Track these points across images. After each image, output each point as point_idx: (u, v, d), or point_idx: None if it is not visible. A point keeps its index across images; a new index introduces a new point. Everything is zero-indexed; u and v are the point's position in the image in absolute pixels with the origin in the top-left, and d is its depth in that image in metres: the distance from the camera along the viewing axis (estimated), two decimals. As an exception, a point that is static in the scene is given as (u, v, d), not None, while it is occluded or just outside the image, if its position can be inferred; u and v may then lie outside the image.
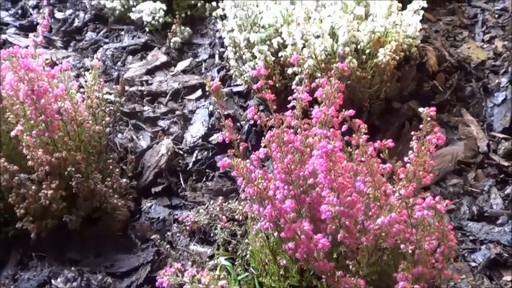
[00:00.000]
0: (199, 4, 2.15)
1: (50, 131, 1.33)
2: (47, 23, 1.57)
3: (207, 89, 1.07)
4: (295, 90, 1.20)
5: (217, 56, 1.98)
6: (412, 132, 1.08)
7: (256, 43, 1.56)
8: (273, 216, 1.01)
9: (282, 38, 1.56)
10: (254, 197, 1.05)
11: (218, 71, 1.90)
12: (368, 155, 1.05)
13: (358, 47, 1.58)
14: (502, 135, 1.66)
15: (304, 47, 1.48)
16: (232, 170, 1.03)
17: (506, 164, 1.58)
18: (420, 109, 1.08)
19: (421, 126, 1.07)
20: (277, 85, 1.60)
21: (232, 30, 1.61)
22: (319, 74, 1.51)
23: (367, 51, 1.58)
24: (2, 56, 1.39)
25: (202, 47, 2.03)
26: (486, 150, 1.62)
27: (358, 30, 1.55)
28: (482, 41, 1.99)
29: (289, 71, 1.55)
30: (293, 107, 1.20)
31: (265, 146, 1.15)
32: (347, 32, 1.50)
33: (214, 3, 2.14)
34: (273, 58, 1.59)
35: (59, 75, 1.39)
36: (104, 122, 1.47)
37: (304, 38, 1.44)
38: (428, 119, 1.07)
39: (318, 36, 1.51)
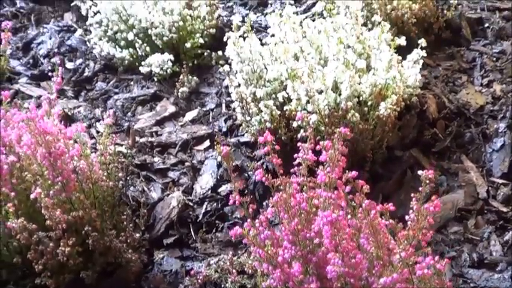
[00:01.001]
0: (205, 53, 2.25)
1: (67, 191, 1.42)
2: (61, 80, 1.67)
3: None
4: (300, 147, 1.29)
5: (223, 105, 2.08)
6: (412, 194, 1.16)
7: (262, 98, 1.66)
8: (282, 279, 1.10)
9: (287, 93, 1.66)
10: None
11: (225, 121, 2.00)
12: (371, 217, 1.13)
13: (360, 98, 1.68)
14: (501, 181, 1.74)
15: (308, 102, 1.57)
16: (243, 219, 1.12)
17: (504, 209, 1.66)
18: (419, 172, 1.16)
19: (420, 188, 1.15)
20: (282, 138, 1.69)
21: (239, 85, 1.71)
22: (323, 128, 1.60)
23: (369, 103, 1.67)
24: (17, 120, 1.49)
25: (209, 96, 2.13)
26: (486, 196, 1.70)
27: (359, 83, 1.65)
28: (481, 85, 2.08)
29: (294, 124, 1.63)
30: (299, 164, 1.29)
31: (272, 206, 1.24)
32: (349, 87, 1.59)
33: (220, 52, 2.24)
34: (279, 112, 1.68)
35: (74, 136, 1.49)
36: (117, 177, 1.56)
37: (309, 95, 1.54)
38: (427, 181, 1.15)
39: (321, 91, 1.60)
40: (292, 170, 1.28)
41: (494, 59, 2.19)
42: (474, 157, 1.81)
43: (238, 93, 1.68)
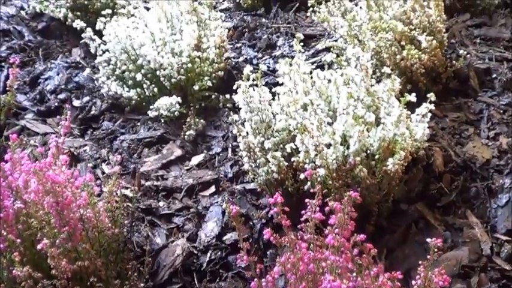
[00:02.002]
0: (213, 96, 2.30)
1: (73, 240, 1.45)
2: (69, 124, 1.72)
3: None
4: (307, 203, 1.33)
5: (230, 150, 2.12)
6: (420, 262, 1.19)
7: (269, 149, 1.70)
8: None
9: (295, 144, 1.70)
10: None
11: (231, 166, 2.04)
12: (378, 283, 1.17)
13: (368, 152, 1.72)
14: (505, 238, 1.77)
15: (316, 155, 1.61)
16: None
17: (508, 267, 1.69)
18: (428, 239, 1.20)
19: (428, 257, 1.18)
20: (289, 189, 1.73)
21: (247, 134, 1.75)
22: (330, 182, 1.64)
23: (377, 156, 1.71)
24: (25, 169, 1.53)
25: (216, 140, 2.18)
26: (489, 253, 1.73)
27: (368, 137, 1.69)
28: (488, 137, 2.13)
29: (302, 176, 1.67)
30: (306, 220, 1.33)
31: (280, 265, 1.28)
32: (358, 142, 1.64)
33: (228, 96, 2.29)
34: (286, 163, 1.72)
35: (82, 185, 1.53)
36: (122, 224, 1.60)
37: (317, 149, 1.58)
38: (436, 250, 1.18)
39: (329, 145, 1.64)
40: (299, 226, 1.33)
41: (501, 111, 2.23)
42: (479, 212, 1.85)
43: (246, 143, 1.72)
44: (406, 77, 2.25)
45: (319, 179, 1.62)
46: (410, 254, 1.75)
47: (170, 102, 2.10)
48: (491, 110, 2.24)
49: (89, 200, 1.46)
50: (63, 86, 2.44)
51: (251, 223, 1.83)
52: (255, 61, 2.60)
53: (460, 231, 1.78)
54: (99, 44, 2.31)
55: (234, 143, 2.12)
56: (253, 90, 1.79)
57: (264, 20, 2.86)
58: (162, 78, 2.23)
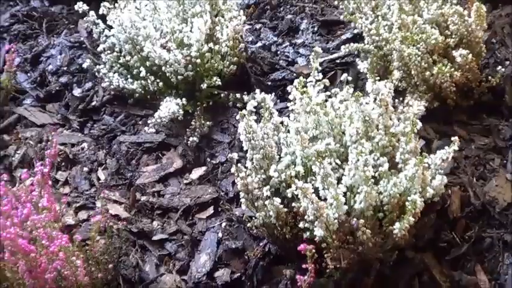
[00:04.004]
0: (222, 95, 2.21)
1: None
2: (55, 151, 1.68)
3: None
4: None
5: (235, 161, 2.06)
6: None
7: (268, 197, 1.64)
8: None
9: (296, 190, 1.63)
10: None
11: (233, 184, 1.98)
12: None
13: (375, 204, 1.65)
14: (511, 302, 1.72)
15: (316, 218, 1.55)
16: None
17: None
18: None
19: None
20: (287, 236, 1.68)
21: (246, 173, 1.68)
22: (330, 240, 1.59)
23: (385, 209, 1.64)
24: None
25: (221, 146, 2.11)
26: (493, 319, 1.69)
27: (378, 192, 1.62)
28: (512, 172, 2.02)
29: (301, 225, 1.62)
30: None
31: None
32: (364, 201, 1.57)
33: (238, 95, 2.20)
34: (286, 209, 1.67)
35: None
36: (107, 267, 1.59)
37: (318, 214, 1.52)
38: None
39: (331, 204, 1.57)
40: None
41: (533, 139, 2.11)
42: (490, 267, 1.78)
43: (245, 186, 1.66)
44: (434, 93, 2.12)
45: (316, 239, 1.57)
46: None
47: (173, 111, 2.02)
48: (524, 137, 2.12)
49: (66, 260, 1.42)
50: (65, 68, 2.36)
51: (246, 257, 1.80)
52: (273, 48, 2.48)
53: (465, 289, 1.74)
54: (103, 30, 2.20)
55: (241, 153, 2.05)
56: (257, 125, 1.70)
57: (288, -6, 2.69)
58: (168, 74, 2.14)
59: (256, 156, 1.69)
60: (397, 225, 1.58)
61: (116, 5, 2.18)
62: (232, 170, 1.68)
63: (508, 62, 2.36)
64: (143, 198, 1.95)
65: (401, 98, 2.11)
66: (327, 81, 1.91)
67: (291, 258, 1.77)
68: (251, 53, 2.38)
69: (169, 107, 2.01)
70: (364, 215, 1.60)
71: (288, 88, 1.92)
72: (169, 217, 1.92)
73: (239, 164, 1.68)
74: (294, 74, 2.32)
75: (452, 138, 1.73)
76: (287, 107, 2.13)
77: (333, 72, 2.34)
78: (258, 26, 2.55)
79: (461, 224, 1.86)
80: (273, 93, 2.26)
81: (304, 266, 1.50)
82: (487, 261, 1.80)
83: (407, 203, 1.58)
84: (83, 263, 1.50)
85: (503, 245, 1.82)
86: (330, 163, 1.67)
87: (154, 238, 1.85)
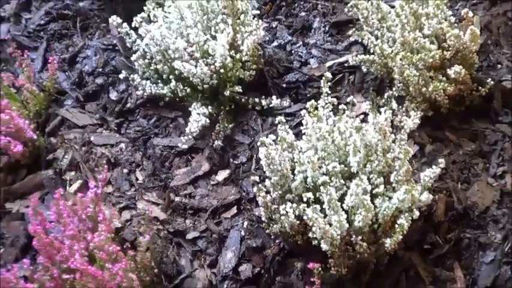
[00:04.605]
0: (243, 100, 2.55)
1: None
2: (105, 176, 2.06)
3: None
4: None
5: (254, 161, 2.45)
6: None
7: (285, 213, 2.04)
8: None
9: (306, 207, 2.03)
10: None
11: (253, 185, 2.38)
12: None
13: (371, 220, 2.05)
14: (482, 296, 2.15)
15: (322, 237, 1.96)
16: None
17: (480, 328, 2.10)
18: None
19: None
20: (298, 242, 2.10)
21: (267, 192, 2.07)
22: (333, 250, 2.00)
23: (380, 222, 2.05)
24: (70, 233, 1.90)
25: (242, 147, 2.49)
26: (464, 310, 2.13)
27: (375, 210, 2.01)
28: (494, 175, 2.39)
29: (310, 235, 2.03)
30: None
31: None
32: (362, 221, 1.97)
33: (257, 99, 2.54)
34: (298, 222, 2.07)
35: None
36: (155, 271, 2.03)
37: (324, 236, 1.92)
38: None
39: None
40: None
41: (516, 144, 2.46)
42: (466, 264, 2.19)
43: (265, 203, 2.06)
44: (429, 103, 2.46)
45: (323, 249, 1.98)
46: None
47: (201, 124, 2.37)
48: (506, 142, 2.46)
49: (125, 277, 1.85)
50: (100, 69, 2.69)
51: (264, 253, 2.23)
52: (288, 47, 2.79)
53: (443, 284, 2.16)
54: (135, 40, 2.51)
55: (258, 155, 2.43)
56: (275, 151, 2.06)
57: (303, -11, 2.96)
58: (195, 82, 2.47)
59: (274, 178, 2.07)
60: (388, 240, 1.99)
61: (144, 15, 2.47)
62: (254, 189, 2.07)
63: (500, 66, 2.67)
64: (177, 199, 2.35)
65: (400, 106, 2.48)
66: (335, 101, 2.25)
67: (302, 254, 2.20)
68: (268, 56, 2.69)
69: (198, 119, 2.37)
70: (361, 231, 2.01)
71: (301, 91, 2.30)
72: (199, 216, 2.33)
73: (259, 185, 2.07)
74: (307, 77, 2.65)
75: (440, 160, 2.10)
76: (300, 110, 2.51)
77: (341, 75, 2.66)
78: (274, 24, 2.84)
79: (444, 226, 2.26)
80: (288, 96, 2.63)
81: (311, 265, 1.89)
82: (464, 259, 2.21)
83: (396, 225, 1.98)
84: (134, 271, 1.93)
85: (479, 245, 2.23)
86: (335, 183, 2.05)
87: (188, 236, 2.27)
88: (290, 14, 2.88)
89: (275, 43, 2.78)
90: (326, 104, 2.22)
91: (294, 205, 1.99)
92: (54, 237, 1.98)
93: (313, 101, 2.20)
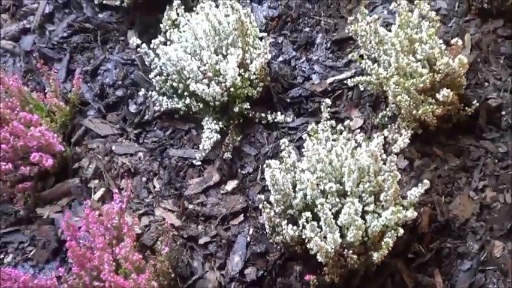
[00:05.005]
0: (250, 114, 2.84)
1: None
2: (129, 193, 2.38)
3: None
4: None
5: (259, 172, 2.75)
6: None
7: (285, 227, 2.36)
8: None
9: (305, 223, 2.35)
10: None
11: (258, 194, 2.69)
12: None
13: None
14: (457, 301, 2.49)
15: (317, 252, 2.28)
16: None
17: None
18: None
19: None
20: (298, 251, 2.43)
21: (273, 212, 2.39)
22: (327, 261, 2.33)
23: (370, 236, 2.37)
24: (100, 246, 2.23)
25: (249, 158, 2.79)
26: (441, 314, 2.47)
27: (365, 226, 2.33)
28: (476, 189, 2.70)
29: (308, 245, 2.36)
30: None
31: None
32: (353, 237, 2.29)
33: (263, 114, 2.83)
34: (297, 234, 2.39)
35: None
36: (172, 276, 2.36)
37: (321, 252, 2.24)
38: None
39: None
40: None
41: (497, 160, 2.75)
42: (446, 271, 2.52)
43: (269, 218, 2.38)
44: (419, 122, 2.75)
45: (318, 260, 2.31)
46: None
47: (213, 141, 2.68)
48: (488, 158, 2.76)
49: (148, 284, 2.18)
50: (120, 82, 2.98)
51: (267, 257, 2.56)
52: (293, 62, 3.06)
53: (424, 289, 2.50)
54: (153, 59, 2.80)
55: (264, 166, 2.74)
56: (279, 172, 2.37)
57: (308, 4, 3.20)
58: (207, 99, 2.77)
59: (277, 196, 2.39)
60: (375, 254, 2.32)
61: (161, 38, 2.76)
62: (260, 206, 2.39)
63: (487, 84, 2.95)
64: (190, 206, 2.67)
65: (393, 124, 2.77)
66: (333, 123, 2.54)
67: (300, 259, 2.53)
68: (274, 72, 2.97)
69: (210, 136, 2.67)
70: (352, 244, 2.33)
71: (303, 105, 2.64)
72: (210, 223, 2.65)
73: (265, 202, 2.38)
74: (309, 92, 2.94)
75: (424, 181, 2.40)
76: (303, 124, 2.81)
77: (340, 91, 2.95)
78: (280, 40, 3.11)
79: (427, 237, 2.58)
80: (291, 110, 2.92)
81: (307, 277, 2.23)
82: (444, 267, 2.53)
83: (383, 241, 2.30)
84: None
85: (457, 254, 2.55)
86: (331, 201, 2.36)
87: (200, 241, 2.60)
88: (295, 30, 3.14)
89: (281, 58, 3.06)
90: (325, 128, 2.51)
91: (295, 227, 2.30)
92: (83, 244, 2.32)
93: (313, 124, 2.50)
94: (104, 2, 3.12)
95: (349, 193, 2.37)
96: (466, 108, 2.78)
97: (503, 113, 2.86)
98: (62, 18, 3.21)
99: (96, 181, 2.71)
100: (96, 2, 3.19)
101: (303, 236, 2.27)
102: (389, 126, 2.79)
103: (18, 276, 2.17)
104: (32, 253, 2.58)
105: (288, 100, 2.94)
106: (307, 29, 3.13)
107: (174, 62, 2.73)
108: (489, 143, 2.80)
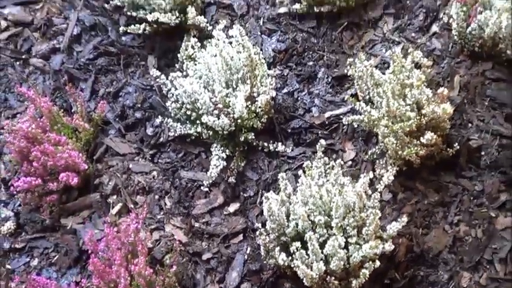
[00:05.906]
0: (254, 143, 3.26)
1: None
2: (144, 215, 2.81)
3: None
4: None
5: (259, 196, 3.18)
6: None
7: (279, 254, 2.79)
8: None
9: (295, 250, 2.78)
10: None
11: (257, 216, 3.12)
12: None
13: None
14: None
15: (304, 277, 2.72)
16: None
17: None
18: None
19: None
20: (288, 273, 2.87)
21: (268, 238, 2.82)
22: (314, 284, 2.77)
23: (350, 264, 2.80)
24: (118, 262, 2.67)
25: (251, 183, 3.22)
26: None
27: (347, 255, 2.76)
28: (451, 223, 3.11)
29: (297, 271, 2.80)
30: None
31: None
32: (336, 266, 2.72)
33: (265, 143, 3.25)
34: (289, 259, 2.82)
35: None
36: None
37: (307, 279, 2.68)
38: None
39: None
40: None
41: (472, 197, 3.16)
42: (419, 297, 2.97)
43: (264, 244, 2.81)
44: (404, 161, 3.15)
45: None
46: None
47: (220, 169, 3.10)
48: (464, 195, 3.17)
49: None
50: (139, 105, 3.40)
51: (261, 275, 3.00)
52: (296, 94, 3.46)
53: (397, 315, 2.93)
54: (170, 89, 3.21)
55: (264, 191, 3.17)
56: (275, 204, 2.79)
57: (313, 39, 3.59)
58: (217, 128, 3.18)
59: (272, 225, 2.82)
60: (354, 281, 2.76)
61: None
62: (257, 233, 2.82)
63: (470, 125, 3.34)
64: (196, 225, 3.11)
65: (381, 159, 3.18)
66: (326, 160, 2.96)
67: (290, 278, 2.97)
68: (278, 104, 3.38)
69: (217, 164, 3.10)
70: (335, 272, 2.77)
71: (302, 136, 3.07)
72: (213, 240, 3.09)
73: (261, 229, 2.81)
74: (308, 124, 3.34)
75: (403, 218, 2.82)
76: (301, 154, 3.23)
77: (336, 125, 3.35)
78: (285, 72, 3.50)
79: (403, 265, 3.00)
80: (291, 139, 3.33)
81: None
82: (418, 292, 2.97)
83: (362, 271, 2.73)
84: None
85: (429, 282, 2.98)
86: (320, 231, 2.79)
87: (204, 257, 3.04)
88: (300, 63, 3.53)
89: (285, 90, 3.45)
90: (319, 165, 2.93)
91: (285, 257, 2.73)
92: (102, 256, 2.76)
93: (308, 162, 2.91)
94: (128, 30, 3.50)
95: (334, 227, 2.80)
96: (448, 149, 3.18)
97: (483, 153, 3.25)
98: (88, 40, 3.62)
99: (115, 197, 3.14)
100: (120, 31, 3.58)
101: (292, 265, 2.70)
102: (377, 161, 3.19)
103: (47, 284, 2.61)
104: (55, 258, 3.04)
105: (289, 130, 3.34)
106: (311, 63, 3.52)
107: (189, 93, 3.13)
108: (467, 181, 3.20)
